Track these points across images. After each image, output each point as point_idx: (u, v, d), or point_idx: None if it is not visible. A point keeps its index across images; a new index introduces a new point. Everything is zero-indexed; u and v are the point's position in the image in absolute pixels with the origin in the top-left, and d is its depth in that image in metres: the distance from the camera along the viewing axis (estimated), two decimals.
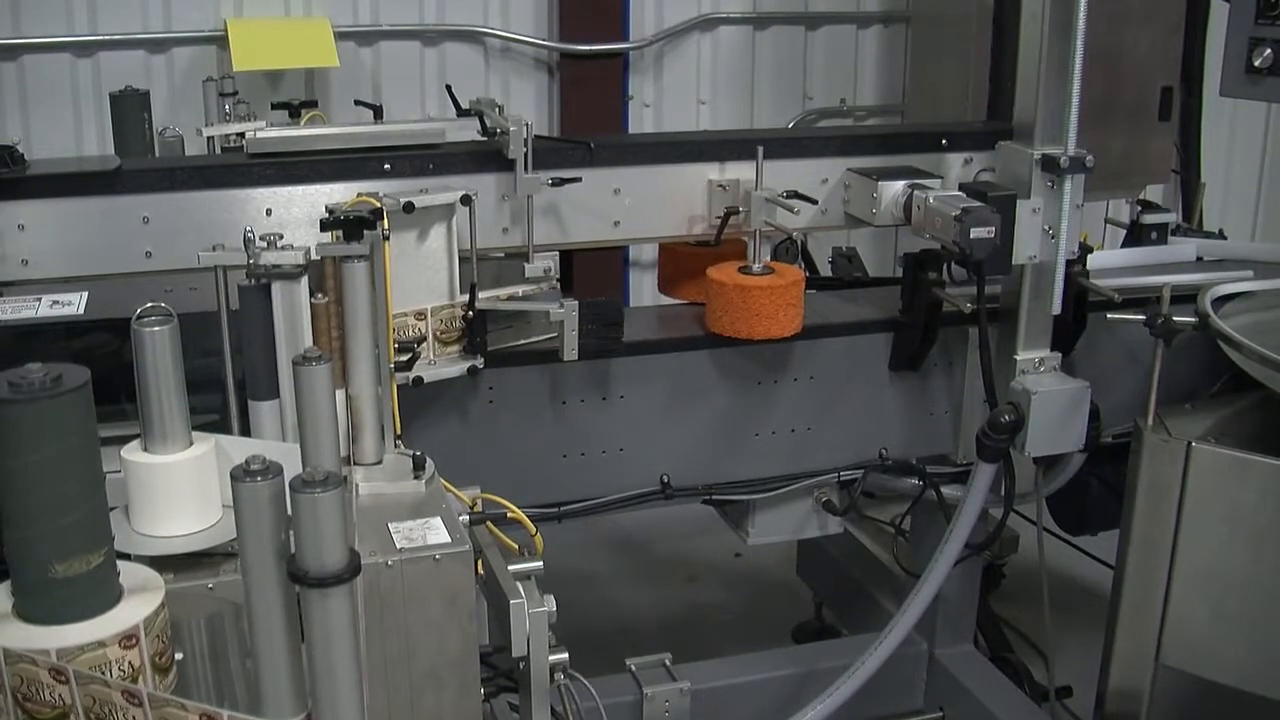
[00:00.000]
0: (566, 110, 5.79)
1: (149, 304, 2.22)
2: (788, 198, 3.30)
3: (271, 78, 5.23)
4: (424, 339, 3.02)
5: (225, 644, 2.07)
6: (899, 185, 3.36)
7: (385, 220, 2.67)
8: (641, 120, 6.03)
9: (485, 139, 3.21)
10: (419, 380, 3.01)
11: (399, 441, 2.71)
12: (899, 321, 3.56)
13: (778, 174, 3.37)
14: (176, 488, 2.23)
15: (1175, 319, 3.08)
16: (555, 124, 5.83)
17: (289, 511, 1.73)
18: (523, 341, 3.24)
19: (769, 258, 3.46)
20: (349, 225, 2.58)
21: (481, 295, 3.07)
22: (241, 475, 1.74)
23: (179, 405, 2.23)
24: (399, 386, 2.79)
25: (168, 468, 2.22)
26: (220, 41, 5.24)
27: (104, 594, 1.90)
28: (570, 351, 3.13)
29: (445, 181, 3.09)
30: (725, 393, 3.46)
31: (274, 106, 4.60)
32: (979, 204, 3.16)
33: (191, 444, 2.26)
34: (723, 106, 6.13)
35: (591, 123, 5.69)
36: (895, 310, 3.57)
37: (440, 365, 3.07)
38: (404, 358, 2.91)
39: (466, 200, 2.99)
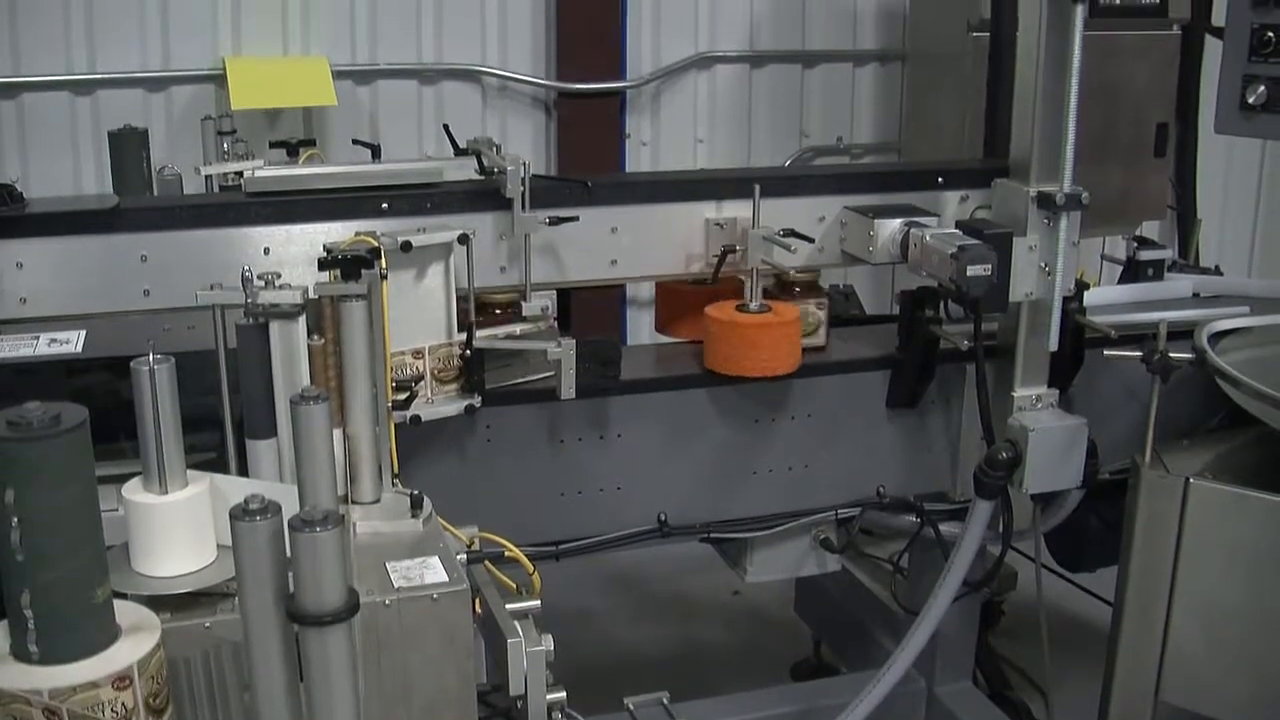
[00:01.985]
0: (564, 149, 5.79)
1: (148, 343, 2.24)
2: (785, 236, 3.28)
3: (270, 116, 5.25)
4: (422, 378, 3.00)
5: (223, 683, 2.08)
6: (895, 223, 3.36)
7: (383, 259, 2.66)
8: (639, 159, 6.02)
9: (483, 178, 3.18)
10: (417, 419, 2.99)
11: (397, 480, 2.70)
12: (896, 359, 3.54)
13: (775, 212, 3.35)
14: (175, 527, 2.22)
15: (1172, 355, 3.08)
16: (553, 163, 5.82)
17: (288, 551, 1.74)
18: (520, 380, 3.23)
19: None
20: (347, 264, 2.58)
21: (479, 334, 3.05)
22: (240, 514, 1.75)
23: (176, 444, 2.22)
24: (397, 425, 2.78)
25: (166, 507, 2.21)
26: (219, 80, 5.25)
27: (100, 634, 1.89)
28: (568, 390, 3.11)
29: (443, 220, 3.07)
30: (723, 431, 3.44)
31: (272, 145, 4.62)
32: (975, 241, 3.16)
33: (188, 483, 2.25)
34: (720, 144, 6.12)
35: (589, 161, 5.68)
36: (892, 348, 3.56)
37: (438, 404, 3.05)
38: (402, 396, 2.88)
39: (464, 239, 2.98)
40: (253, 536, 1.73)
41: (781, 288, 3.47)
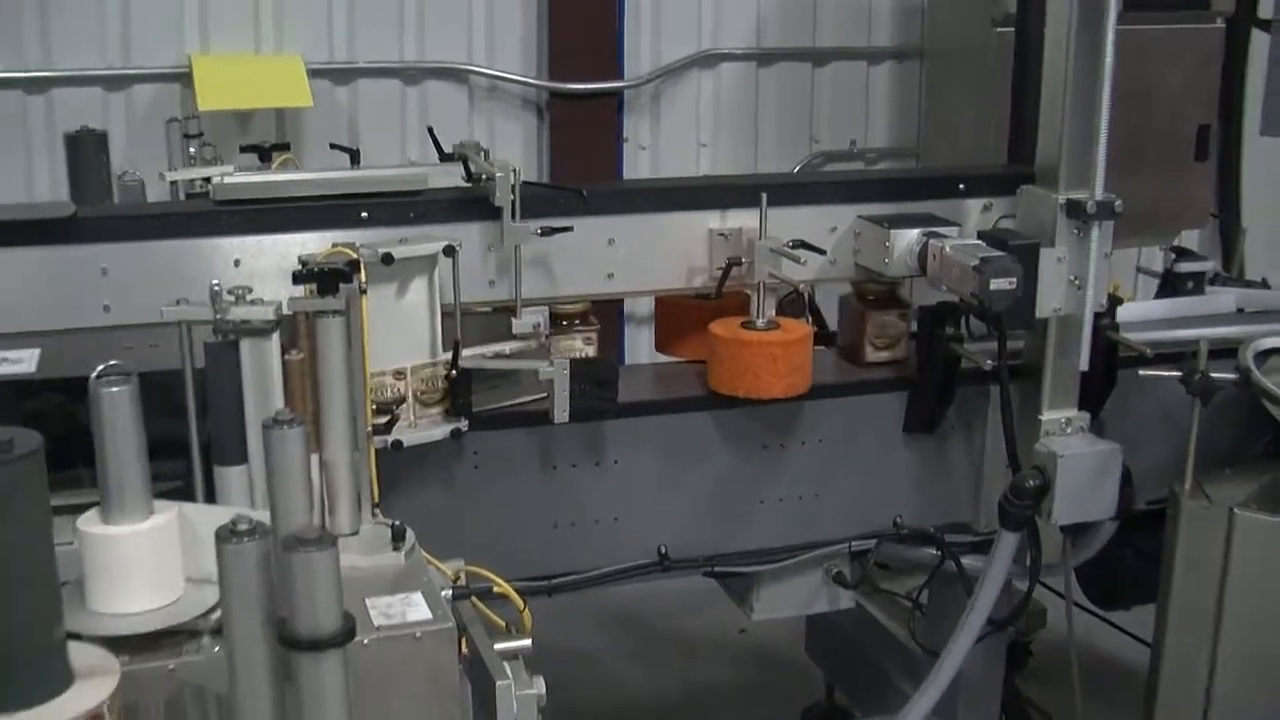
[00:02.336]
0: (557, 154, 5.80)
1: (108, 362, 2.22)
2: (794, 247, 3.30)
3: (240, 118, 5.24)
4: (404, 400, 3.02)
5: None
6: (913, 233, 3.37)
7: (363, 272, 2.68)
8: (637, 164, 6.02)
9: (470, 185, 3.21)
10: (398, 444, 3.00)
11: (377, 510, 2.71)
12: (914, 380, 3.55)
13: (783, 222, 3.37)
14: (136, 561, 2.21)
15: (1213, 375, 3.09)
16: (545, 169, 5.83)
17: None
18: (510, 402, 3.25)
19: (774, 312, 3.46)
20: (323, 278, 2.59)
21: (466, 353, 3.06)
22: (228, 536, 1.76)
23: (139, 472, 2.22)
24: (377, 451, 2.79)
25: (127, 539, 2.20)
26: (184, 79, 5.24)
27: (53, 679, 1.88)
28: (561, 413, 3.13)
29: (427, 231, 3.08)
30: (728, 457, 3.46)
31: (242, 149, 4.62)
32: (999, 253, 3.17)
33: (152, 514, 2.24)
34: (724, 149, 6.15)
35: (584, 167, 5.69)
36: (910, 368, 3.58)
37: (421, 428, 3.07)
38: (382, 420, 2.89)
39: (450, 251, 3.00)
40: (241, 559, 1.75)
41: (860, 298, 3.55)
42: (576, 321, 3.38)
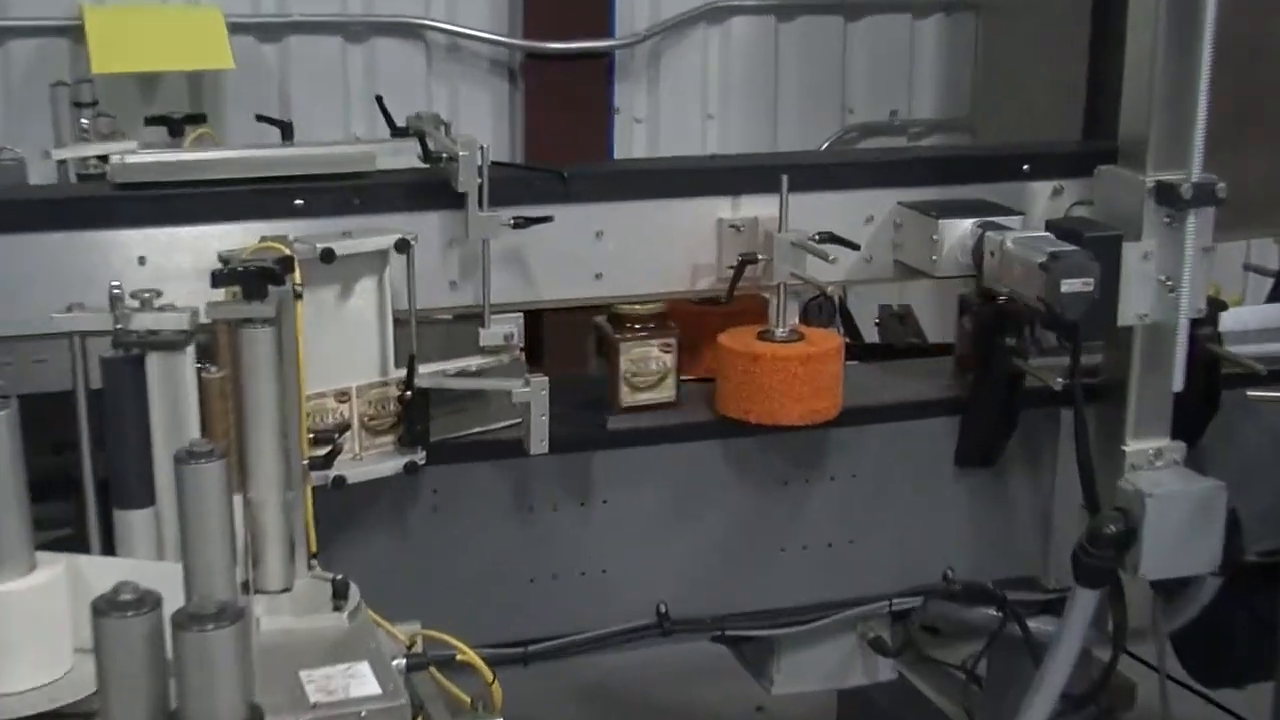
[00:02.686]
0: (533, 128, 5.79)
1: None
2: (821, 242, 3.32)
3: (144, 84, 5.17)
4: (348, 427, 3.05)
5: None
6: (967, 224, 3.38)
7: (297, 272, 2.69)
8: (631, 140, 6.02)
9: (427, 166, 3.25)
10: (341, 481, 3.03)
11: (314, 562, 2.74)
12: (967, 401, 3.57)
13: (809, 211, 3.38)
14: (14, 627, 2.19)
15: None
16: (518, 146, 5.81)
17: (170, 654, 1.74)
18: (477, 430, 3.28)
19: (797, 320, 3.49)
20: (249, 279, 2.60)
21: (423, 370, 3.08)
22: (107, 608, 1.75)
23: (19, 517, 2.20)
24: (315, 489, 2.81)
25: (2, 600, 2.19)
26: (74, 34, 5.18)
27: None
28: (539, 443, 3.16)
29: (376, 222, 3.10)
30: (741, 495, 3.49)
31: (148, 121, 4.57)
32: (1072, 248, 3.18)
33: (35, 567, 2.23)
34: (736, 122, 6.14)
35: (566, 144, 5.64)
36: (962, 387, 3.60)
37: (369, 461, 3.10)
38: (322, 452, 2.93)
39: (403, 246, 3.02)
40: (124, 636, 1.74)
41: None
42: (651, 325, 3.44)
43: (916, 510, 3.62)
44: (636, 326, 3.43)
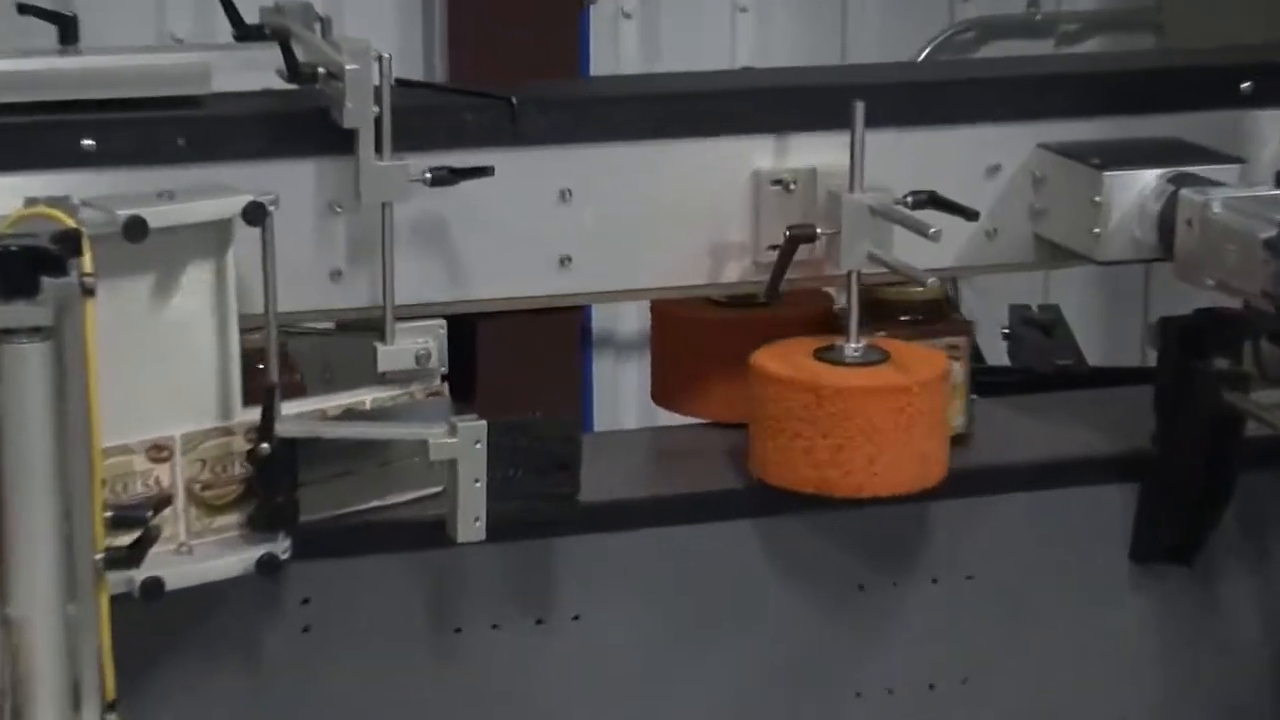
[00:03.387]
0: (461, 29, 5.23)
1: None
2: (917, 207, 2.85)
3: None
4: (168, 500, 2.63)
5: None
6: (1149, 178, 2.91)
7: (88, 255, 2.33)
8: (617, 46, 5.45)
9: (294, 88, 2.83)
10: (156, 587, 2.59)
11: (112, 716, 2.41)
12: (1150, 459, 3.09)
13: (895, 158, 2.93)
14: None
15: None
16: (439, 57, 5.26)
17: None
18: (373, 505, 2.84)
19: (881, 330, 3.10)
20: (9, 266, 2.28)
21: (287, 410, 2.67)
22: None
23: None
24: (116, 600, 2.43)
25: None
26: None
27: None
28: (471, 525, 2.70)
29: (211, 175, 2.69)
30: (790, 608, 3.06)
31: None
32: None
33: None
34: (782, 15, 5.60)
35: (513, 53, 5.02)
36: (1142, 436, 3.12)
37: (202, 556, 2.68)
38: (126, 541, 2.46)
39: (256, 214, 2.61)
40: None
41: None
42: (935, 321, 3.07)
43: (1069, 633, 3.15)
44: (912, 318, 3.04)
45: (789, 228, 2.87)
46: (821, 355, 2.88)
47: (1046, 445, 3.19)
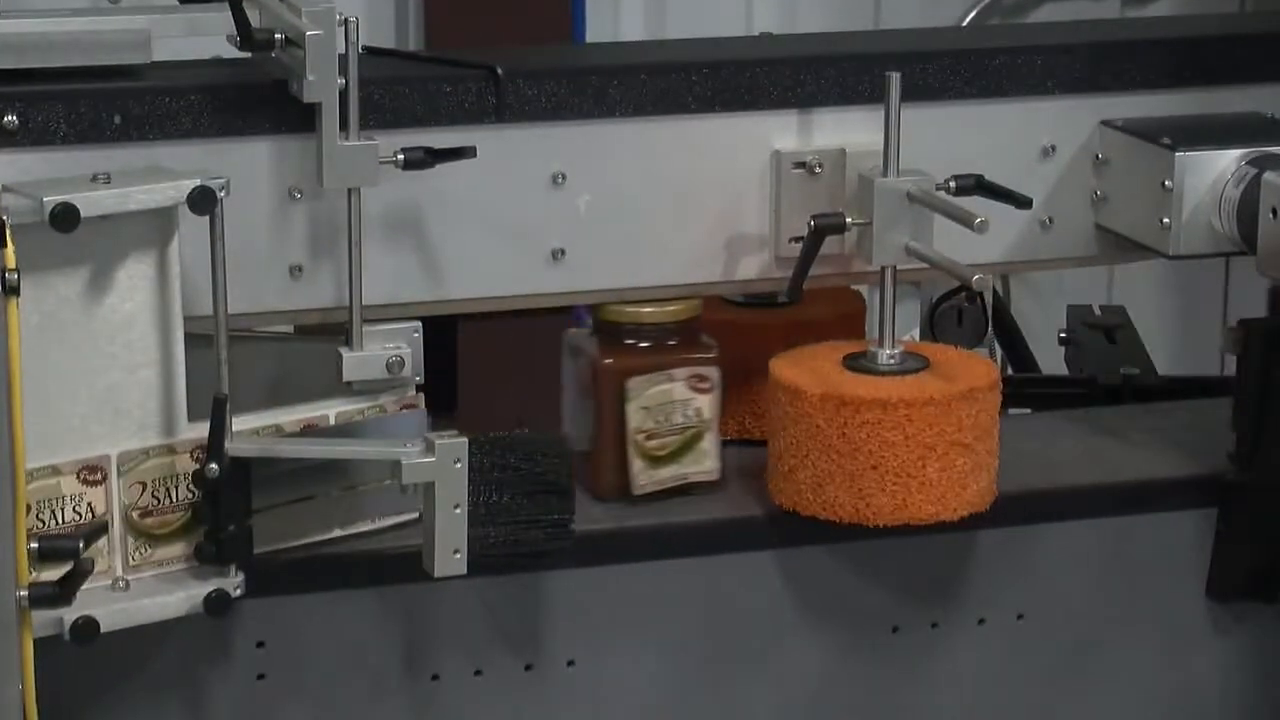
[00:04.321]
0: None
1: None
2: (959, 193, 2.72)
3: None
4: (103, 529, 2.56)
5: None
6: (1227, 160, 2.77)
7: (10, 248, 2.29)
8: (616, 10, 5.20)
9: (247, 56, 2.72)
10: (89, 629, 2.52)
11: None
12: (1229, 482, 2.92)
13: (937, 138, 2.82)
14: None
15: None
16: (413, 20, 5.01)
17: None
18: (338, 533, 2.71)
19: (917, 334, 3.26)
20: None
21: (240, 425, 2.59)
22: None
23: None
24: (40, 641, 2.36)
25: None
26: None
27: None
28: (450, 558, 2.59)
29: (152, 155, 2.60)
30: (812, 653, 2.91)
31: None
32: None
33: None
34: None
35: (499, 16, 4.76)
36: (1220, 456, 2.96)
37: (142, 591, 2.58)
38: (54, 576, 2.41)
39: (204, 201, 2.51)
40: None
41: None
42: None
43: (1135, 682, 2.98)
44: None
45: (814, 217, 2.74)
46: (851, 363, 2.74)
47: (1110, 466, 3.04)
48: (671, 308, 2.87)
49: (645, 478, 2.85)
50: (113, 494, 2.51)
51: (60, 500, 2.46)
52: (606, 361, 2.84)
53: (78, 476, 2.47)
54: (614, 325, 2.85)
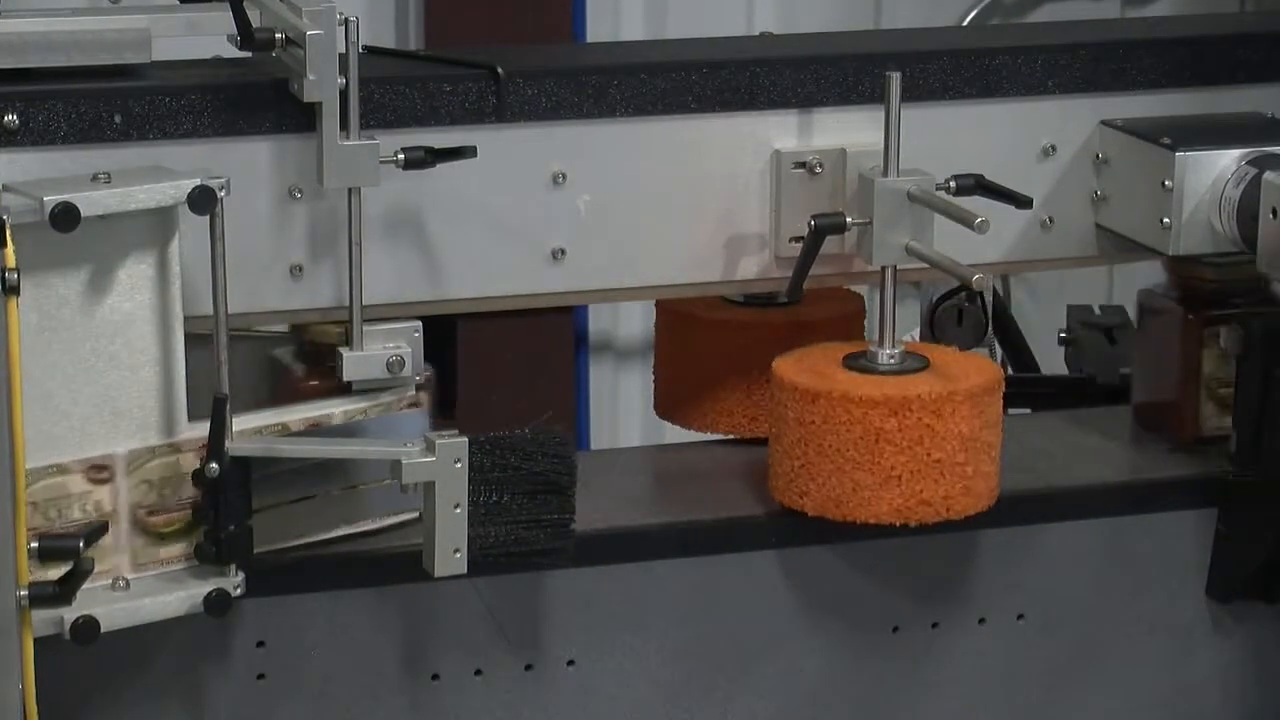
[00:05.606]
0: None
1: None
2: (960, 193, 2.79)
3: None
4: (104, 528, 2.59)
5: None
6: (1228, 159, 2.86)
7: (10, 248, 2.36)
8: (617, 10, 5.32)
9: (247, 55, 2.79)
10: (90, 629, 2.58)
11: None
12: (1229, 481, 3.00)
13: (938, 138, 2.90)
14: None
15: None
16: (414, 20, 5.12)
17: None
18: (338, 534, 2.77)
19: (917, 334, 3.32)
20: None
21: (240, 425, 2.65)
22: None
23: None
24: (42, 643, 2.44)
25: None
26: None
27: None
28: (451, 557, 2.67)
29: (152, 155, 2.64)
30: (813, 652, 2.98)
31: None
32: None
33: None
34: None
35: (500, 16, 4.89)
36: (1220, 455, 3.06)
37: (143, 591, 2.63)
38: (55, 575, 2.48)
39: (204, 201, 2.56)
40: None
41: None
42: None
43: (1136, 681, 3.06)
44: None
45: (814, 217, 2.80)
46: (852, 363, 2.80)
47: (1110, 466, 3.11)
48: None
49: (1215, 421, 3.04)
50: (120, 492, 2.56)
51: (64, 499, 2.52)
52: (1190, 317, 3.01)
53: (85, 475, 2.53)
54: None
